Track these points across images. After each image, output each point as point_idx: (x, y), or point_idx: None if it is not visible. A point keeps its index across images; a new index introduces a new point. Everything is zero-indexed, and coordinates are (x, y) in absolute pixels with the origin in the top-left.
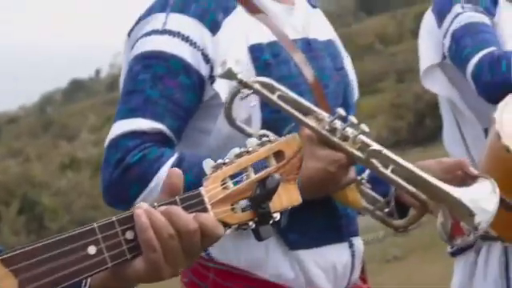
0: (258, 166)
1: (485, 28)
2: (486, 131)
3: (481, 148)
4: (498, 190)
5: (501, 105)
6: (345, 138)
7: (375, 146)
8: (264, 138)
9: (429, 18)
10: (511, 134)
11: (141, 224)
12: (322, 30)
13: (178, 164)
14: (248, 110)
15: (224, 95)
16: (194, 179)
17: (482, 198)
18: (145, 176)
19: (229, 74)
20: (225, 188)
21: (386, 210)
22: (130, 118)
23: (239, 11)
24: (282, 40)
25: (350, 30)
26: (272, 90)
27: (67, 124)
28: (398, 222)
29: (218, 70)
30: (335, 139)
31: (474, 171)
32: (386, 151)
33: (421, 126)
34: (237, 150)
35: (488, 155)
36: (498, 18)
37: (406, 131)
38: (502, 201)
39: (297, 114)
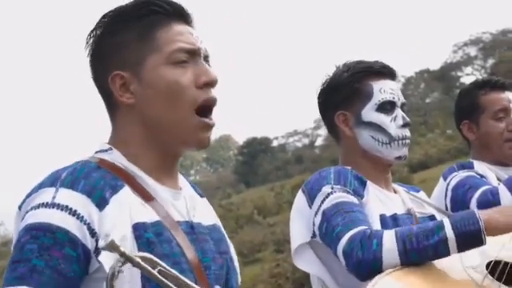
0: None
1: (355, 208)
2: None
3: None
4: None
5: (369, 286)
6: None
7: None
8: None
9: (299, 198)
10: None
11: None
12: (206, 215)
13: None
14: (129, 283)
15: (108, 268)
16: None
17: None
18: None
19: (111, 246)
20: None
21: None
22: (15, 286)
23: (126, 191)
24: (166, 220)
25: (230, 201)
26: (153, 264)
27: None
28: None
29: (101, 243)
30: None
31: None
32: None
33: None
34: None
35: None
36: (366, 199)
37: None
38: None
39: None
